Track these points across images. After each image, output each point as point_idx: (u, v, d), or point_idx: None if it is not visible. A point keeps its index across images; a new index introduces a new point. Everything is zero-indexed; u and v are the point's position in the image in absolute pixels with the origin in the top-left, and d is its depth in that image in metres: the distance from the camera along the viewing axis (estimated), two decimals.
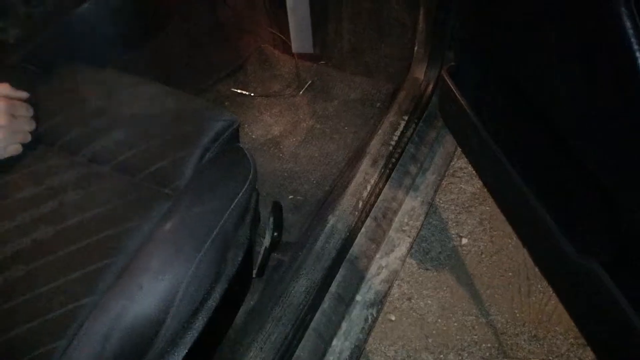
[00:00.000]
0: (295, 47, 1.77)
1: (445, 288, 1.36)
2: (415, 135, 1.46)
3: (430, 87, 1.52)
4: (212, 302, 0.78)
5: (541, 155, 0.88)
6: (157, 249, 0.70)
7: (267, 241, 1.06)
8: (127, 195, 0.77)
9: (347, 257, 1.21)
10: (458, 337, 1.28)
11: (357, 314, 1.18)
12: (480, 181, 1.52)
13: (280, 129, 1.66)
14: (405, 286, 1.37)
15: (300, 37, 1.72)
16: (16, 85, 0.82)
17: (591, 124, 0.74)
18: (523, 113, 0.90)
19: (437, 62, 1.50)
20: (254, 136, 1.64)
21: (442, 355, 1.24)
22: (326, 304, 1.12)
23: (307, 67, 1.84)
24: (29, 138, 0.82)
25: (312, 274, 1.10)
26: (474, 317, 1.30)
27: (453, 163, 1.60)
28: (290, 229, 1.31)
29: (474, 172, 1.54)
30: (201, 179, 0.79)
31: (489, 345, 1.25)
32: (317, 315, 1.10)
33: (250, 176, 0.81)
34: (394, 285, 1.33)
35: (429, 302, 1.34)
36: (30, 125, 0.82)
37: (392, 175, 1.38)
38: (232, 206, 0.77)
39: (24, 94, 0.84)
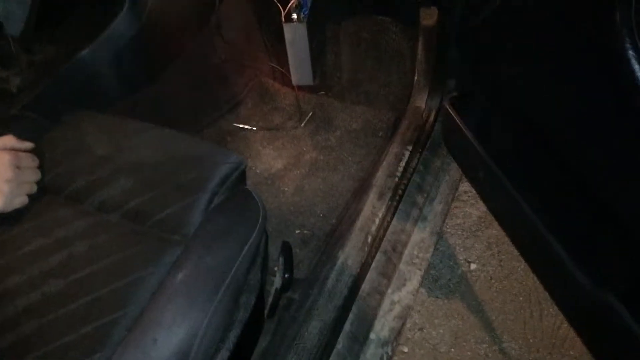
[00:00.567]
0: (295, 79, 1.78)
1: (456, 316, 1.34)
2: (420, 165, 1.46)
3: (433, 115, 1.53)
4: (226, 351, 0.77)
5: (551, 185, 0.87)
6: (170, 301, 0.69)
7: (277, 282, 1.05)
8: (136, 243, 0.76)
9: (359, 294, 1.19)
10: None
11: (372, 353, 1.16)
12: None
13: (283, 162, 1.66)
14: (417, 316, 1.35)
15: (299, 69, 1.74)
16: (19, 134, 0.82)
17: (598, 156, 0.73)
18: (530, 143, 0.90)
19: (438, 91, 1.51)
20: (257, 170, 1.64)
21: None
22: (340, 344, 1.10)
23: (308, 99, 1.85)
24: (35, 189, 0.81)
25: (325, 314, 1.09)
26: (487, 345, 1.28)
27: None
28: (299, 264, 1.30)
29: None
30: (211, 225, 0.78)
31: None
32: (332, 357, 1.08)
33: (260, 220, 0.80)
34: None
35: (441, 331, 1.32)
36: (35, 176, 0.82)
37: (400, 206, 1.38)
38: (243, 252, 0.76)
39: (28, 145, 0.84)
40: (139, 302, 0.70)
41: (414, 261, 1.34)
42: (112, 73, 1.32)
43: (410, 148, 1.45)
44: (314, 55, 1.69)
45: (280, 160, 1.67)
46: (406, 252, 1.35)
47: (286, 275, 1.03)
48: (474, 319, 1.33)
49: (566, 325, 1.28)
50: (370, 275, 1.24)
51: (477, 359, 1.26)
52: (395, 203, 1.36)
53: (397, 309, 1.26)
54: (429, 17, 1.42)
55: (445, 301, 1.37)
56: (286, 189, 1.57)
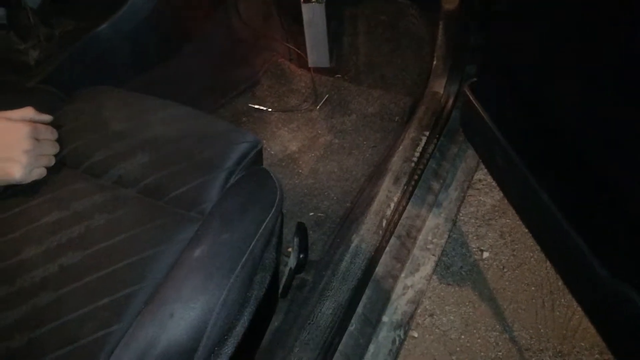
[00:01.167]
0: (311, 61, 1.77)
1: (467, 303, 1.34)
2: (436, 151, 1.45)
3: (451, 101, 1.51)
4: (241, 327, 0.77)
5: (570, 174, 0.86)
6: (188, 276, 0.69)
7: (292, 262, 1.05)
8: (154, 219, 0.76)
9: (372, 277, 1.19)
10: (482, 353, 1.25)
11: (384, 336, 1.16)
12: (500, 193, 1.50)
13: (298, 144, 1.66)
14: (427, 302, 1.35)
15: (316, 51, 1.72)
16: (38, 107, 0.82)
17: (620, 147, 0.72)
18: (550, 131, 0.89)
19: (457, 76, 1.49)
20: (272, 152, 1.63)
21: None
22: (353, 326, 1.11)
23: (324, 81, 1.84)
24: (53, 161, 0.81)
25: (338, 295, 1.09)
26: (498, 333, 1.28)
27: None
28: (312, 246, 1.30)
29: (493, 184, 1.52)
30: (228, 203, 0.78)
31: None
32: (345, 337, 1.08)
33: (277, 200, 0.80)
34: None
35: (452, 317, 1.32)
36: (54, 149, 0.82)
37: (415, 192, 1.37)
38: (260, 231, 0.76)
39: (47, 117, 0.84)
40: (156, 277, 0.70)
41: (428, 247, 1.34)
42: (129, 49, 1.32)
43: (427, 133, 1.43)
44: (331, 37, 1.68)
45: (295, 142, 1.67)
46: (420, 237, 1.35)
47: (301, 256, 1.03)
48: (485, 307, 1.33)
49: (578, 316, 1.28)
50: (384, 259, 1.24)
51: (487, 347, 1.26)
52: (410, 188, 1.36)
53: (410, 293, 1.26)
54: (450, 1, 1.40)
55: (457, 288, 1.37)
56: (300, 171, 1.57)
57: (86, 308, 0.68)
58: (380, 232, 1.24)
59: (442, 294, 1.36)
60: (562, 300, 1.31)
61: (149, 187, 0.80)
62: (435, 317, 1.31)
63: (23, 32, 1.17)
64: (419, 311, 1.32)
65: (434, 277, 1.37)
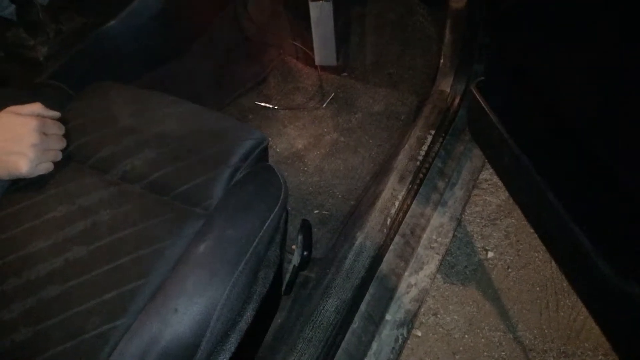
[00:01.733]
0: (318, 59, 1.77)
1: (471, 303, 1.34)
2: (442, 150, 1.44)
3: (457, 100, 1.51)
4: (244, 323, 0.78)
5: (577, 173, 0.86)
6: (192, 272, 0.70)
7: (296, 260, 1.05)
8: (159, 214, 0.77)
9: (376, 275, 1.19)
10: (486, 353, 1.25)
11: (387, 334, 1.16)
12: (505, 193, 1.50)
13: (304, 142, 1.66)
14: (431, 301, 1.35)
15: (323, 49, 1.73)
16: (46, 102, 0.82)
17: (629, 146, 0.72)
18: (558, 130, 0.88)
19: (464, 75, 1.49)
20: (278, 149, 1.64)
21: None
22: (356, 323, 1.11)
23: (330, 79, 1.84)
24: (60, 156, 0.82)
25: (342, 292, 1.09)
26: (502, 333, 1.28)
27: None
28: (317, 244, 1.30)
29: (499, 183, 1.52)
30: (233, 199, 0.78)
31: None
32: (348, 335, 1.08)
33: (282, 196, 0.80)
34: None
35: (456, 317, 1.32)
36: (61, 143, 0.83)
37: (420, 190, 1.37)
38: (264, 227, 0.76)
39: (55, 114, 0.84)
40: (160, 272, 0.71)
41: (432, 245, 1.34)
42: (137, 46, 1.32)
43: (433, 132, 1.43)
44: (338, 36, 1.68)
45: (301, 140, 1.67)
46: (425, 236, 1.34)
47: (305, 253, 1.03)
48: (489, 306, 1.32)
49: (582, 317, 1.27)
50: (388, 257, 1.24)
51: (491, 347, 1.26)
52: (415, 187, 1.35)
53: (414, 291, 1.26)
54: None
55: (461, 288, 1.36)
56: (306, 169, 1.57)
57: (91, 302, 0.69)
58: (385, 230, 1.24)
59: (446, 293, 1.36)
60: (567, 301, 1.31)
61: (154, 183, 0.80)
62: (439, 316, 1.31)
63: (32, 28, 1.17)
64: (422, 310, 1.32)
65: (438, 276, 1.37)
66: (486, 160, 1.52)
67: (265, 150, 0.89)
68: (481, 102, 1.03)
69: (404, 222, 1.31)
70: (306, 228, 1.07)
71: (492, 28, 1.16)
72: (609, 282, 0.76)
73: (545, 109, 0.90)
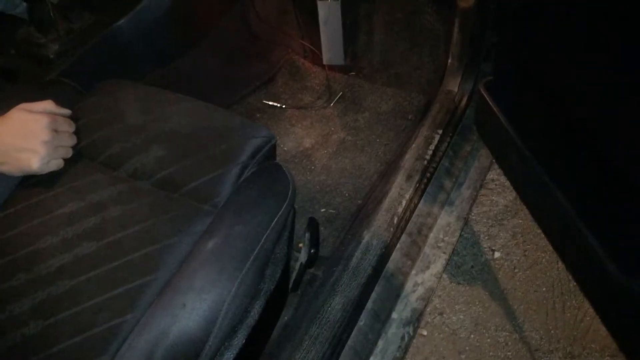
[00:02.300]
0: (326, 58, 1.77)
1: (477, 303, 1.34)
2: (449, 149, 1.44)
3: (465, 99, 1.51)
4: (251, 320, 0.78)
5: (585, 173, 0.86)
6: (200, 268, 0.70)
7: (303, 257, 1.05)
8: (168, 211, 0.77)
9: (383, 273, 1.20)
10: (491, 353, 1.25)
11: (393, 332, 1.16)
12: (512, 194, 1.49)
13: (311, 141, 1.66)
14: (437, 300, 1.35)
15: (331, 48, 1.73)
16: (57, 100, 0.83)
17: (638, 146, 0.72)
18: (566, 130, 0.88)
19: (471, 75, 1.49)
20: (285, 148, 1.64)
21: None
22: (362, 321, 1.11)
23: (338, 79, 1.84)
24: (70, 153, 0.83)
25: (349, 290, 1.09)
26: (508, 333, 1.28)
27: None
28: (323, 242, 1.30)
29: (506, 183, 1.51)
30: (241, 196, 0.79)
31: None
32: (354, 332, 1.09)
33: (290, 194, 0.81)
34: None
35: (461, 317, 1.32)
36: (72, 141, 0.84)
37: (427, 190, 1.37)
38: (272, 224, 0.76)
39: (66, 111, 0.85)
40: (169, 268, 0.72)
41: (439, 245, 1.34)
42: (146, 44, 1.33)
43: (440, 132, 1.43)
44: (346, 35, 1.68)
45: (308, 139, 1.67)
46: (431, 235, 1.35)
47: (312, 251, 1.04)
48: (495, 306, 1.32)
49: (588, 318, 1.27)
50: (395, 255, 1.24)
51: (497, 347, 1.25)
52: (422, 186, 1.36)
53: (420, 290, 1.26)
54: None
55: (467, 287, 1.36)
56: (313, 167, 1.58)
57: (100, 297, 0.69)
58: (392, 229, 1.24)
59: (452, 292, 1.36)
60: (573, 301, 1.31)
61: (163, 180, 0.81)
62: (444, 315, 1.31)
63: (43, 27, 1.19)
64: (428, 309, 1.32)
65: (445, 275, 1.37)
66: (493, 160, 1.52)
67: (274, 148, 0.89)
68: (489, 101, 1.03)
69: (410, 221, 1.31)
70: (313, 226, 1.08)
71: (501, 27, 1.16)
72: (616, 282, 0.76)
73: (555, 109, 0.90)
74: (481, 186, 1.51)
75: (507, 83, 1.05)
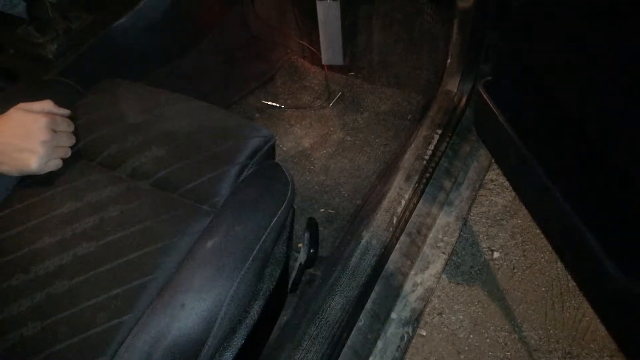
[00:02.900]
0: (325, 59, 1.77)
1: (476, 303, 1.34)
2: (448, 150, 1.44)
3: (464, 99, 1.51)
4: (250, 320, 0.78)
5: (585, 174, 0.86)
6: (200, 268, 0.70)
7: (302, 257, 1.05)
8: (167, 211, 0.77)
9: (382, 273, 1.20)
10: (490, 353, 1.25)
11: (392, 332, 1.16)
12: (511, 194, 1.50)
13: (310, 141, 1.66)
14: (436, 300, 1.35)
15: (330, 49, 1.73)
16: (55, 99, 0.83)
17: (637, 146, 0.72)
18: (566, 130, 0.88)
19: (471, 75, 1.49)
20: (284, 148, 1.64)
21: None
22: (362, 321, 1.11)
23: (337, 79, 1.84)
24: (69, 153, 0.83)
25: (348, 291, 1.09)
26: (507, 333, 1.28)
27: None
28: (323, 242, 1.30)
29: (505, 184, 1.52)
30: (240, 196, 0.79)
31: None
32: (353, 333, 1.09)
33: (289, 194, 0.81)
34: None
35: (461, 317, 1.32)
36: (70, 141, 0.83)
37: (426, 190, 1.37)
38: (271, 224, 0.76)
39: (65, 111, 0.85)
40: (168, 268, 0.71)
41: (438, 245, 1.34)
42: (145, 43, 1.33)
43: (439, 132, 1.43)
44: (345, 35, 1.68)
45: (307, 139, 1.67)
46: (431, 235, 1.35)
47: (311, 251, 1.03)
48: (495, 307, 1.32)
49: (588, 318, 1.27)
50: (394, 256, 1.24)
51: (496, 347, 1.25)
52: (422, 186, 1.35)
53: (420, 290, 1.26)
54: None
55: (466, 288, 1.36)
56: (312, 167, 1.58)
57: (99, 297, 0.69)
58: (391, 229, 1.24)
59: (451, 292, 1.36)
60: (573, 301, 1.31)
61: (162, 180, 0.81)
62: (444, 315, 1.31)
63: (42, 26, 1.18)
64: (427, 309, 1.32)
65: (444, 275, 1.37)
66: (493, 160, 1.52)
67: (273, 148, 0.89)
68: (488, 101, 1.03)
69: (410, 221, 1.31)
70: (313, 226, 1.07)
71: (501, 28, 1.16)
72: (616, 282, 0.76)
73: (554, 109, 0.90)
74: (480, 186, 1.51)
75: (506, 83, 1.05)
